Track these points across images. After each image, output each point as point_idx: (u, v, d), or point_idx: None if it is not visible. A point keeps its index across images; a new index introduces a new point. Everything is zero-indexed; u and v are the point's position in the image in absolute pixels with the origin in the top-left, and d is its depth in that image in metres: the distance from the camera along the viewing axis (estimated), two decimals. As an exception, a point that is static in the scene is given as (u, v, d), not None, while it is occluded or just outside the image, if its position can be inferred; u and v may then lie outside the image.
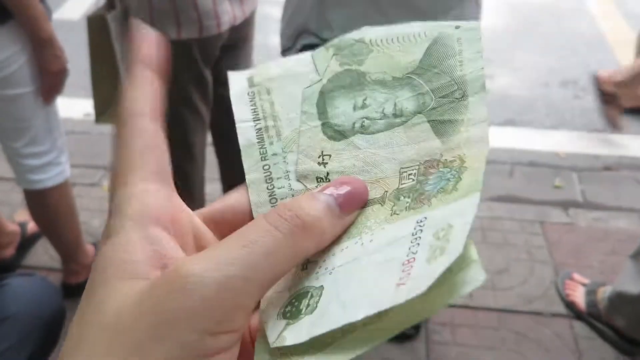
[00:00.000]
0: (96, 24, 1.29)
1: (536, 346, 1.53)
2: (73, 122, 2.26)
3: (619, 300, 1.48)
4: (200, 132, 1.54)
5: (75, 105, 2.29)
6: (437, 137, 0.27)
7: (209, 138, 1.62)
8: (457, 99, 0.27)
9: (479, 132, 0.27)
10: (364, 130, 0.28)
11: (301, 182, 0.28)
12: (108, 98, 1.38)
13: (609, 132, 2.41)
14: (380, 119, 0.28)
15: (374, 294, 0.23)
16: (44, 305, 0.85)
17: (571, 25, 3.35)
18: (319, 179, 0.28)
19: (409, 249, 0.24)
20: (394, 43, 0.29)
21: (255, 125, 0.29)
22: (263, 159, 0.29)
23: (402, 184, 0.27)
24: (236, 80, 0.30)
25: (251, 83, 0.30)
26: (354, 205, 0.26)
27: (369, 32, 0.29)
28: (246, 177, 0.29)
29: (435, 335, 1.56)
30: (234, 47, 1.48)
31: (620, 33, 3.24)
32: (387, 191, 0.27)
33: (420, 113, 0.28)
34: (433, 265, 0.22)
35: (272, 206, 0.28)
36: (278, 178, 0.29)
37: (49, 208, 1.47)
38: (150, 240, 0.23)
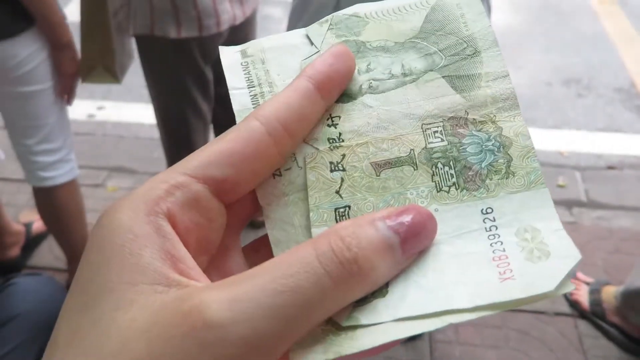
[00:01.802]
0: None
1: (540, 345, 1.53)
2: (77, 123, 2.27)
3: (633, 297, 1.47)
4: (202, 130, 1.55)
5: (78, 107, 2.30)
6: (456, 92, 0.26)
7: (211, 137, 1.63)
8: (469, 55, 0.26)
9: (504, 90, 0.26)
10: (372, 90, 0.27)
11: (311, 145, 0.26)
12: (96, 56, 1.37)
13: (611, 131, 2.41)
14: (389, 79, 0.27)
15: (473, 284, 0.22)
16: (51, 304, 0.86)
17: (574, 24, 3.35)
18: (330, 140, 0.26)
19: (491, 245, 0.23)
20: (389, 15, 0.28)
21: (250, 92, 0.27)
22: None
23: (429, 143, 0.25)
24: (228, 54, 0.28)
25: (244, 54, 0.28)
26: (418, 245, 0.22)
27: (363, 7, 0.28)
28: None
29: (439, 334, 1.56)
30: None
31: (623, 32, 3.24)
32: (412, 149, 0.25)
33: (431, 71, 0.26)
34: (543, 264, 0.22)
35: (274, 174, 0.26)
36: None
37: (58, 206, 1.48)
38: (161, 233, 0.20)
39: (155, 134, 1.67)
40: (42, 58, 1.31)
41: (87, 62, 1.38)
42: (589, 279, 1.66)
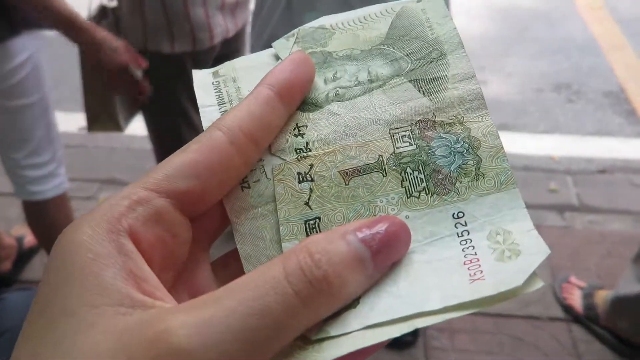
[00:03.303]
0: None
1: (534, 350, 1.53)
2: (69, 135, 2.26)
3: (621, 303, 1.48)
4: (195, 143, 1.55)
5: (70, 119, 2.30)
6: (423, 96, 0.26)
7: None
8: (435, 58, 0.26)
9: (470, 91, 0.26)
10: (339, 98, 0.26)
11: (278, 156, 0.25)
12: (99, 108, 1.40)
13: (602, 135, 2.43)
14: (355, 86, 0.26)
15: (444, 288, 0.21)
16: (41, 319, 0.85)
17: (563, 30, 3.38)
18: (298, 150, 0.25)
19: (463, 250, 0.23)
20: (355, 24, 0.28)
21: (220, 109, 0.27)
22: None
23: (397, 148, 0.25)
24: (200, 76, 0.28)
25: (216, 75, 0.28)
26: (391, 257, 0.22)
27: (328, 19, 0.28)
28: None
29: (434, 341, 1.56)
30: (226, 59, 1.49)
31: (611, 37, 3.27)
32: (381, 155, 0.25)
33: (398, 76, 0.26)
34: (513, 262, 0.22)
35: (242, 187, 0.25)
36: None
37: (48, 220, 1.47)
38: (123, 252, 0.20)
39: (148, 145, 1.67)
40: (28, 70, 1.29)
41: (91, 112, 1.41)
42: (582, 283, 1.66)
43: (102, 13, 1.34)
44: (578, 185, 2.13)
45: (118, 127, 1.43)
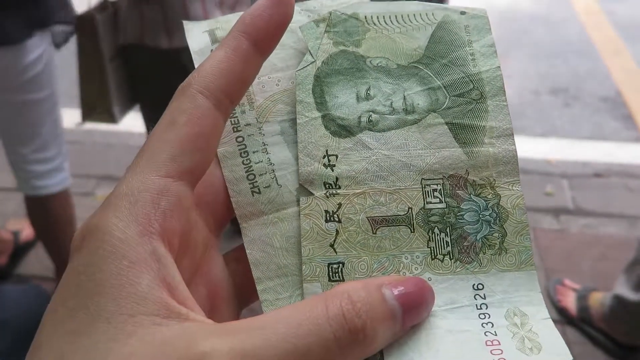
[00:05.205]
0: (85, 24, 1.32)
1: (528, 352, 1.53)
2: (66, 131, 2.25)
3: (621, 304, 1.47)
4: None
5: (67, 115, 2.29)
6: (458, 146, 0.25)
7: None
8: (474, 100, 0.25)
9: (506, 152, 0.25)
10: (372, 126, 0.25)
11: (306, 188, 0.25)
12: (95, 98, 1.40)
13: (598, 139, 2.44)
14: (390, 114, 0.25)
15: None
16: (36, 312, 0.85)
17: (561, 34, 3.39)
18: (327, 185, 0.25)
19: (482, 326, 0.22)
20: (392, 23, 0.26)
21: None
22: (235, 129, 0.26)
23: (427, 203, 0.24)
24: (195, 33, 0.26)
25: (214, 38, 0.26)
26: (417, 319, 0.22)
27: (363, 7, 0.26)
28: (217, 149, 0.25)
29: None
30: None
31: (609, 42, 3.28)
32: (411, 208, 0.24)
33: (434, 112, 0.25)
34: (535, 358, 0.21)
35: (249, 183, 0.25)
36: (254, 152, 0.26)
37: (51, 215, 1.47)
38: (156, 257, 0.19)
39: (145, 142, 1.67)
40: (42, 65, 1.30)
41: (87, 103, 1.41)
42: (576, 286, 1.67)
43: (102, 6, 1.35)
44: (574, 188, 2.14)
45: (112, 119, 1.43)
